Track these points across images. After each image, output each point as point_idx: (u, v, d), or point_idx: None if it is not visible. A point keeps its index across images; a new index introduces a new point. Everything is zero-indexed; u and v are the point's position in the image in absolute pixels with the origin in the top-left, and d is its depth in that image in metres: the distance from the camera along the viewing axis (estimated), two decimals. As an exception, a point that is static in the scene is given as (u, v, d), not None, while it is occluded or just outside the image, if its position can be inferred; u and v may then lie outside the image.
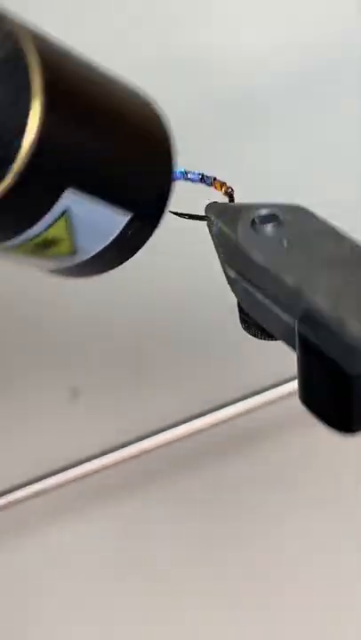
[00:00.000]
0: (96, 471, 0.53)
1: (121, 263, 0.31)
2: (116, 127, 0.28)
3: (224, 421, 0.53)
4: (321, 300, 0.28)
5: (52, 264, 0.29)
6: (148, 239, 0.30)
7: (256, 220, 0.30)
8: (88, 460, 0.53)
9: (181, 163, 0.57)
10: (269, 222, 0.30)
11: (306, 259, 0.30)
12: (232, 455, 0.59)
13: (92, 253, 0.29)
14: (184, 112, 0.56)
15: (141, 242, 0.30)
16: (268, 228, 0.30)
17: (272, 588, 0.58)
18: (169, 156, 0.30)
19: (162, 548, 0.59)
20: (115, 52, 0.56)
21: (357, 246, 0.30)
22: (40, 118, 0.24)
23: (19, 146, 0.24)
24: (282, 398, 0.53)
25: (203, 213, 0.33)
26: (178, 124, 0.56)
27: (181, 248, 0.49)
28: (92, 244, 0.29)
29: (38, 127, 0.24)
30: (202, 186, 0.34)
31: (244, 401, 0.53)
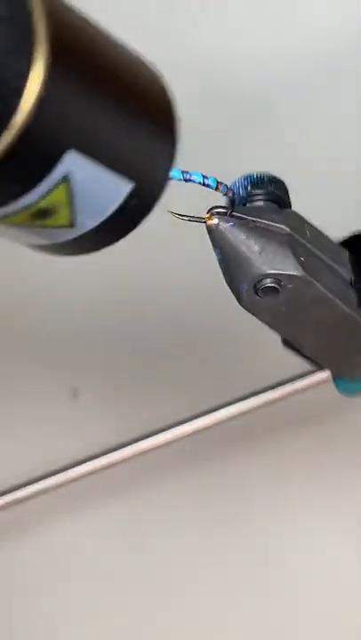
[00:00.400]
0: (96, 471, 0.53)
1: (118, 240, 0.29)
2: (124, 90, 0.26)
3: (224, 421, 0.53)
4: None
5: (48, 238, 0.27)
6: (148, 213, 0.28)
7: (258, 292, 0.33)
8: (88, 460, 0.53)
9: (181, 163, 0.57)
10: (269, 294, 0.33)
11: (300, 321, 0.35)
12: (232, 455, 0.59)
13: (91, 226, 0.27)
14: (185, 112, 0.56)
15: (141, 216, 0.28)
16: (268, 298, 0.33)
17: (274, 588, 0.58)
18: (174, 127, 0.29)
19: (162, 548, 0.59)
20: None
21: (346, 312, 0.35)
22: (44, 71, 0.22)
23: (19, 99, 0.22)
24: (282, 398, 0.53)
25: (202, 213, 0.33)
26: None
27: (182, 247, 0.49)
28: (92, 216, 0.27)
29: (41, 81, 0.22)
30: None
31: (244, 401, 0.53)
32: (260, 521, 0.59)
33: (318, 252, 0.34)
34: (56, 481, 0.53)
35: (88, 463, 0.53)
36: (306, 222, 0.35)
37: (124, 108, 0.26)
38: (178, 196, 0.31)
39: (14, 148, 0.22)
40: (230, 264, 0.33)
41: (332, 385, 0.44)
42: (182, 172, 0.31)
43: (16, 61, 0.22)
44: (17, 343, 0.60)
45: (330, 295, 0.34)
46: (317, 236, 0.35)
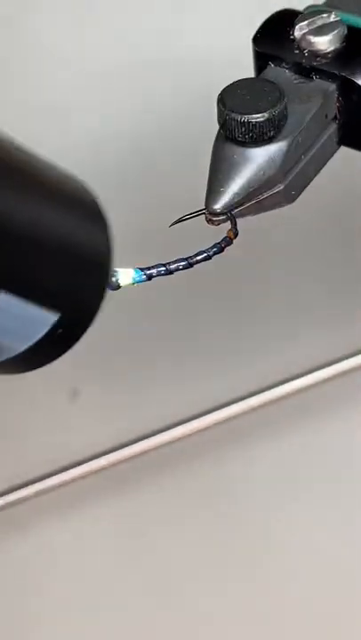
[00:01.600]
0: (96, 471, 0.53)
1: (52, 361, 0.28)
2: (45, 228, 0.25)
3: (224, 421, 0.53)
4: None
5: None
6: (80, 337, 0.27)
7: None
8: (88, 459, 0.53)
9: (181, 162, 0.57)
10: None
11: None
12: (233, 455, 0.59)
13: (16, 352, 0.26)
14: (184, 112, 0.56)
15: (72, 341, 0.27)
16: None
17: (274, 589, 0.58)
18: (106, 240, 0.27)
19: (162, 549, 0.59)
20: (114, 52, 0.56)
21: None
22: None
23: None
24: (282, 398, 0.53)
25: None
26: (177, 125, 0.56)
27: (182, 247, 0.49)
28: (16, 343, 0.26)
29: None
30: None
31: (245, 401, 0.53)
32: (260, 521, 0.59)
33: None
34: (56, 481, 0.53)
35: (88, 463, 0.53)
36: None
37: (45, 243, 0.25)
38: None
39: None
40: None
41: (332, 385, 0.44)
42: (141, 270, 0.30)
43: None
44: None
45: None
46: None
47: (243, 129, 0.32)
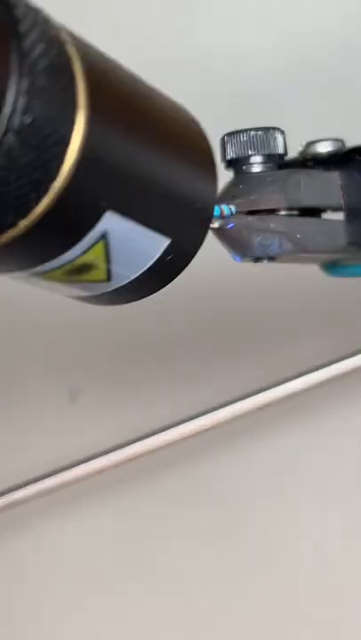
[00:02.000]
0: (96, 471, 0.53)
1: (156, 291, 0.29)
2: (163, 147, 0.27)
3: (224, 421, 0.53)
4: None
5: (85, 290, 0.28)
6: (186, 266, 0.29)
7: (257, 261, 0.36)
8: (88, 459, 0.53)
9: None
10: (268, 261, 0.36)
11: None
12: (232, 456, 0.59)
13: (128, 280, 0.28)
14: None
15: (179, 268, 0.29)
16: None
17: (274, 589, 0.58)
18: (213, 181, 0.29)
19: (162, 549, 0.59)
20: (115, 52, 0.56)
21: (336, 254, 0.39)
22: (84, 135, 0.23)
23: (60, 163, 0.22)
24: (282, 398, 0.53)
25: None
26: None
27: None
28: (129, 271, 0.27)
29: (81, 144, 0.22)
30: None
31: (245, 400, 0.53)
32: (260, 521, 0.59)
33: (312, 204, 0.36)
34: (56, 481, 0.53)
35: (88, 463, 0.53)
36: (300, 174, 0.35)
37: (161, 168, 0.27)
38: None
39: (52, 212, 0.23)
40: (231, 247, 0.35)
41: (331, 385, 0.44)
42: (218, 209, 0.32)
43: (57, 128, 0.22)
44: (17, 343, 0.60)
45: (320, 255, 0.37)
46: (310, 183, 0.35)
47: None
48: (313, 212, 0.36)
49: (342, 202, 0.36)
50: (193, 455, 0.58)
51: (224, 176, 0.36)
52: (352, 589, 0.58)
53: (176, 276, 0.29)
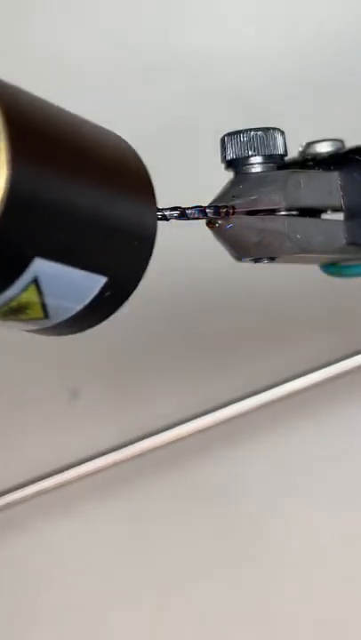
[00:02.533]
0: (96, 471, 0.53)
1: (98, 323, 0.29)
2: (95, 185, 0.25)
3: (224, 421, 0.53)
4: None
5: (27, 326, 0.28)
6: (125, 301, 0.29)
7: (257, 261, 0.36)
8: (88, 460, 0.53)
9: (181, 162, 0.57)
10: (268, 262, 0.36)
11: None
12: (233, 455, 0.59)
13: (68, 315, 0.27)
14: (185, 112, 0.56)
15: (119, 303, 0.28)
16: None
17: (274, 589, 0.58)
18: (151, 207, 0.28)
19: (162, 549, 0.59)
20: (115, 52, 0.56)
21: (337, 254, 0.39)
22: (7, 184, 0.21)
23: None
24: (282, 398, 0.53)
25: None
26: (177, 125, 0.56)
27: (183, 247, 0.49)
28: (66, 308, 0.27)
29: (5, 193, 0.21)
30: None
31: (245, 400, 0.53)
32: (261, 521, 0.59)
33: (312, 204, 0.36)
34: (56, 481, 0.53)
35: (88, 463, 0.53)
36: (300, 174, 0.35)
37: (94, 208, 0.26)
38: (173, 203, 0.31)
39: None
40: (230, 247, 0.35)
41: (331, 385, 0.44)
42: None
43: None
44: (17, 343, 0.60)
45: (320, 255, 0.37)
46: (309, 183, 0.36)
47: None
48: (313, 212, 0.36)
49: (342, 202, 0.37)
50: (193, 455, 0.58)
51: (224, 176, 0.36)
52: (352, 589, 0.58)
53: (120, 305, 0.29)
